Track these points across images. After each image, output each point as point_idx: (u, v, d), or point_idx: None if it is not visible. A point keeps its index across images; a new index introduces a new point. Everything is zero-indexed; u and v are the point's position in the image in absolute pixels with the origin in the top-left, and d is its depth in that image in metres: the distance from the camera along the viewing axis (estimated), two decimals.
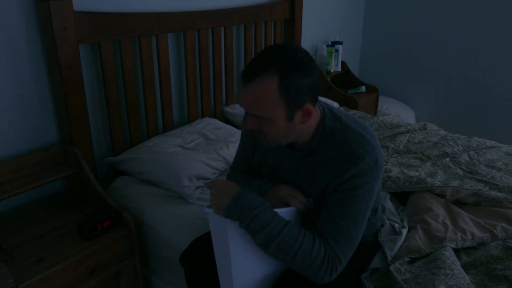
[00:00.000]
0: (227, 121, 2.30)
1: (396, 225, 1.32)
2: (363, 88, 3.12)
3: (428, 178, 1.56)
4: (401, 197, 1.57)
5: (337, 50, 3.07)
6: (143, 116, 1.95)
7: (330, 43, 3.11)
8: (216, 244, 1.04)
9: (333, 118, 1.06)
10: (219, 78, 2.27)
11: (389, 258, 1.18)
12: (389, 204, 1.46)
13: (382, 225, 1.29)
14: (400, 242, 1.25)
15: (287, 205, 1.07)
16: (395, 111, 3.18)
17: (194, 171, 1.63)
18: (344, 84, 3.24)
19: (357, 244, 1.01)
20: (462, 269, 1.13)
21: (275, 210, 0.98)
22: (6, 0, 1.43)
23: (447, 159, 1.85)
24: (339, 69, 3.16)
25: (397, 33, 3.38)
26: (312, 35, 3.03)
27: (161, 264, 1.61)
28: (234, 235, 0.98)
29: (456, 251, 1.26)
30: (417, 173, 1.63)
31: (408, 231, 1.33)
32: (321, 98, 1.11)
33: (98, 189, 1.56)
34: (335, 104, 2.69)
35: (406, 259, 1.20)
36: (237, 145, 1.43)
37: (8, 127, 1.54)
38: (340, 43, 3.08)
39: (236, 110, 2.30)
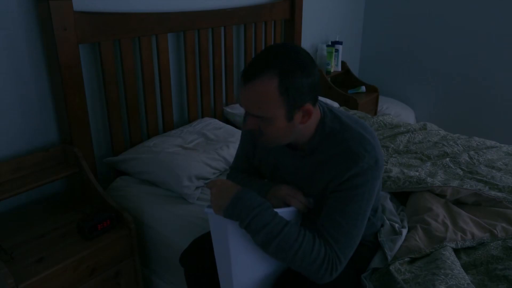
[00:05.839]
0: (227, 121, 2.30)
1: (396, 225, 1.32)
2: (363, 88, 3.12)
3: (428, 178, 1.56)
4: (401, 197, 1.57)
5: (337, 50, 3.07)
6: (143, 116, 1.95)
7: (330, 43, 3.11)
8: (216, 244, 1.04)
9: (333, 118, 1.06)
10: (219, 78, 2.27)
11: (389, 258, 1.18)
12: (389, 204, 1.46)
13: (382, 225, 1.29)
14: (400, 242, 1.25)
15: (287, 205, 1.07)
16: (395, 111, 3.18)
17: (194, 171, 1.63)
18: (344, 84, 3.24)
19: (357, 243, 1.01)
20: (462, 269, 1.13)
21: (275, 210, 0.98)
22: (6, 0, 1.43)
23: (447, 159, 1.85)
24: (339, 69, 3.16)
25: (397, 33, 3.38)
26: (312, 35, 3.03)
27: (161, 264, 1.61)
28: (234, 235, 0.98)
29: (456, 251, 1.26)
30: (417, 173, 1.63)
31: (408, 231, 1.33)
32: (321, 98, 1.12)
33: (98, 189, 1.56)
34: (335, 104, 2.69)
35: (406, 259, 1.20)
36: (237, 145, 1.43)
37: (8, 127, 1.54)
38: (340, 43, 3.08)
39: (236, 110, 2.30)
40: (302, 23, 2.77)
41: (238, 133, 1.96)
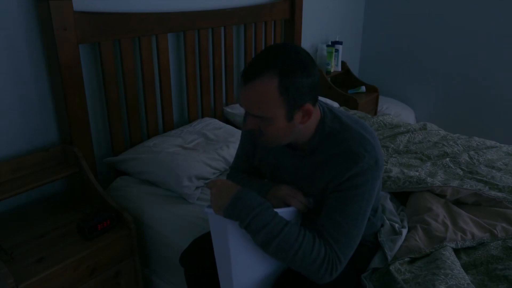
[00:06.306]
0: (227, 121, 2.30)
1: (396, 225, 1.32)
2: (363, 88, 3.12)
3: (428, 178, 1.56)
4: (401, 197, 1.57)
5: (337, 50, 3.07)
6: (143, 116, 1.95)
7: (330, 43, 3.11)
8: (216, 244, 1.04)
9: (333, 118, 1.06)
10: (219, 78, 2.27)
11: (389, 258, 1.18)
12: (389, 204, 1.46)
13: (382, 225, 1.29)
14: (400, 242, 1.25)
15: (287, 205, 1.07)
16: (395, 111, 3.18)
17: (194, 171, 1.63)
18: (344, 84, 3.24)
19: (357, 243, 1.01)
20: (462, 269, 1.13)
21: (275, 210, 0.98)
22: (6, 0, 1.43)
23: (447, 159, 1.85)
24: (339, 69, 3.16)
25: (397, 33, 3.38)
26: (312, 35, 3.03)
27: (161, 264, 1.61)
28: (234, 235, 0.98)
29: (456, 251, 1.26)
30: (417, 173, 1.63)
31: (408, 231, 1.33)
32: (321, 98, 1.11)
33: (98, 189, 1.56)
34: (335, 104, 2.69)
35: (406, 259, 1.20)
36: (237, 145, 1.43)
37: (8, 127, 1.54)
38: (340, 43, 3.08)
39: (236, 110, 2.30)
40: (302, 23, 2.77)
41: (238, 133, 1.96)
